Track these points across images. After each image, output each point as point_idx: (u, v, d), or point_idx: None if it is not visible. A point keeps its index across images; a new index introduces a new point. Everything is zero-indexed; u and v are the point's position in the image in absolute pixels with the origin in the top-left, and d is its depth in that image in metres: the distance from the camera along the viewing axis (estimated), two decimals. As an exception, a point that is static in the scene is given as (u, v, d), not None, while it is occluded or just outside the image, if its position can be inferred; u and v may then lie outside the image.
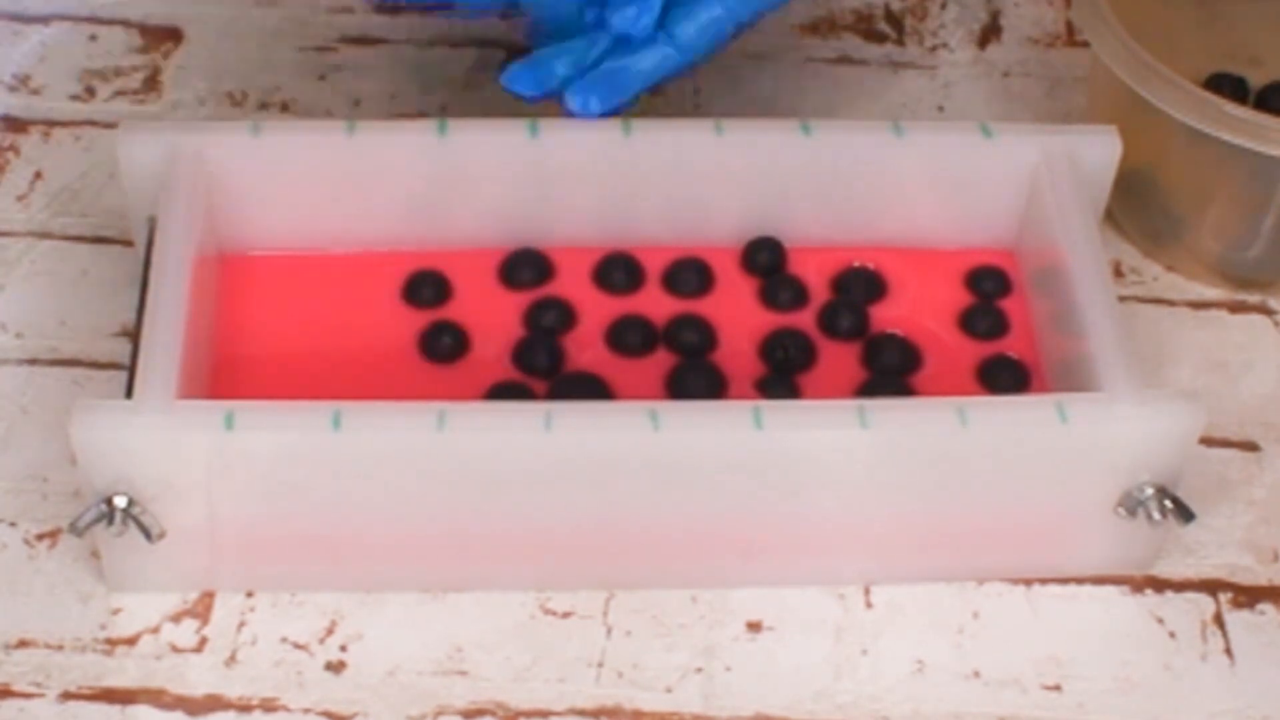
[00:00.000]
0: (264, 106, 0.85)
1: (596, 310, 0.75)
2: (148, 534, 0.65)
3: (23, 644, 0.67)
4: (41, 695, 0.65)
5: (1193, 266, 0.81)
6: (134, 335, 0.67)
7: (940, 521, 0.68)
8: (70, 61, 0.87)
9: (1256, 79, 0.84)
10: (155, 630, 0.67)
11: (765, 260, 0.76)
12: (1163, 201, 0.81)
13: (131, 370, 0.66)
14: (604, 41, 0.74)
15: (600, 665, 0.67)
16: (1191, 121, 0.74)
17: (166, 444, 0.64)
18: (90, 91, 0.86)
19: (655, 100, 0.87)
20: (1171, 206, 0.81)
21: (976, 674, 0.68)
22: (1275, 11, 0.85)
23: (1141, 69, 0.75)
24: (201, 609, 0.68)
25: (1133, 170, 0.75)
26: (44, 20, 0.89)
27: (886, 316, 0.75)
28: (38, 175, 0.82)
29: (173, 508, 0.65)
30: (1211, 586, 0.71)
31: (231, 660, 0.67)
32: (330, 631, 0.68)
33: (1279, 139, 0.74)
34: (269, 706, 0.66)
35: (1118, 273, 0.81)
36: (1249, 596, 0.71)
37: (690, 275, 0.76)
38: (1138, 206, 0.77)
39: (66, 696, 0.65)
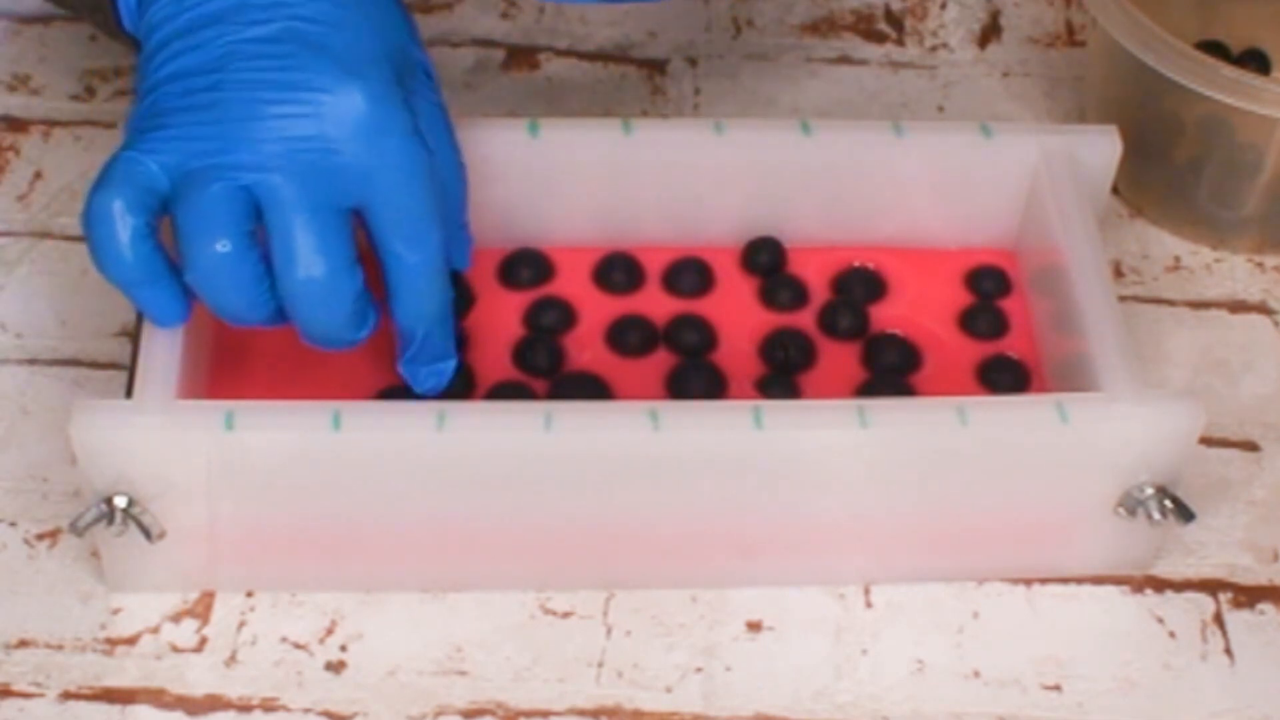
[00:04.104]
0: (264, 106, 0.85)
1: (596, 310, 0.75)
2: (148, 534, 0.65)
3: (23, 644, 0.67)
4: (41, 695, 0.65)
5: (1183, 225, 0.82)
6: (134, 335, 0.67)
7: (940, 521, 0.68)
8: (70, 61, 0.87)
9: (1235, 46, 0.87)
10: (155, 630, 0.67)
11: (765, 260, 0.76)
12: (1157, 160, 0.82)
13: (131, 370, 0.66)
14: None
15: (600, 665, 0.67)
16: (1189, 83, 0.76)
17: (166, 444, 0.64)
18: (90, 91, 0.86)
19: (655, 100, 0.87)
20: (1166, 165, 0.82)
21: (976, 674, 0.68)
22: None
23: (1142, 33, 0.77)
24: (201, 609, 0.68)
25: (1127, 131, 0.75)
26: (44, 20, 0.89)
27: (886, 316, 0.75)
28: (38, 175, 0.82)
29: (173, 508, 0.65)
30: (1211, 586, 0.71)
31: (231, 660, 0.67)
32: (330, 631, 0.68)
33: (1273, 99, 0.75)
34: (269, 706, 0.66)
35: (1118, 273, 0.81)
36: (1249, 596, 0.70)
37: (690, 275, 0.76)
38: (1131, 166, 0.78)
39: (66, 696, 0.65)
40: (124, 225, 0.63)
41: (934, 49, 0.91)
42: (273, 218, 0.63)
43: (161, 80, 0.65)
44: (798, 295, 0.76)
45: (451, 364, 0.70)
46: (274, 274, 0.64)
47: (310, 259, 0.63)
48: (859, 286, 0.76)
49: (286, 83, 0.63)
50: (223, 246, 0.63)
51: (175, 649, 0.67)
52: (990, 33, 0.92)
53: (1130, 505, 0.67)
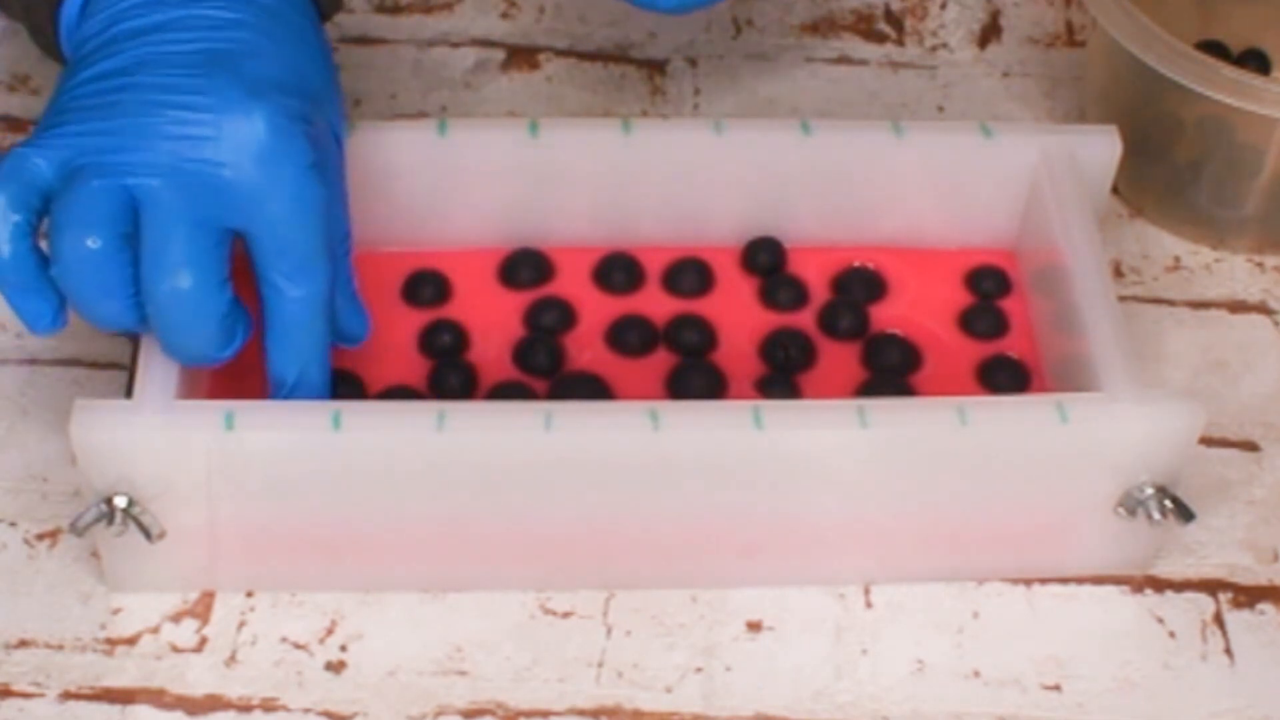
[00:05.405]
0: (264, 106, 0.85)
1: (596, 310, 0.75)
2: (148, 534, 0.65)
3: (23, 644, 0.67)
4: (41, 695, 0.65)
5: (1183, 225, 0.82)
6: (134, 335, 0.67)
7: (940, 521, 0.68)
8: (70, 61, 0.87)
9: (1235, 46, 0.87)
10: (155, 630, 0.67)
11: (765, 260, 0.76)
12: (1157, 160, 0.82)
13: (131, 370, 0.66)
14: None
15: (600, 665, 0.67)
16: (1189, 83, 0.76)
17: (166, 444, 0.64)
18: (90, 91, 0.86)
19: (655, 100, 0.87)
20: (1166, 166, 0.82)
21: (976, 674, 0.68)
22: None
23: (1142, 33, 0.77)
24: (201, 609, 0.68)
25: (1127, 131, 0.75)
26: (44, 20, 0.89)
27: (886, 316, 0.75)
28: (38, 175, 0.82)
29: (173, 508, 0.65)
30: (1211, 586, 0.71)
31: (231, 660, 0.67)
32: (330, 631, 0.68)
33: (1273, 99, 0.75)
34: (269, 706, 0.66)
35: (1118, 273, 0.81)
36: (1249, 596, 0.70)
37: (690, 275, 0.76)
38: (1132, 166, 0.78)
39: (66, 696, 0.65)
40: (3, 221, 0.62)
41: (934, 49, 0.91)
42: (148, 223, 0.62)
43: (74, 84, 0.64)
44: (798, 295, 0.76)
45: None
46: (141, 281, 0.63)
47: (179, 270, 0.62)
48: (859, 286, 0.76)
49: (191, 92, 0.63)
50: (93, 243, 0.62)
51: (175, 649, 0.67)
52: (990, 33, 0.92)
53: (1130, 505, 0.67)
